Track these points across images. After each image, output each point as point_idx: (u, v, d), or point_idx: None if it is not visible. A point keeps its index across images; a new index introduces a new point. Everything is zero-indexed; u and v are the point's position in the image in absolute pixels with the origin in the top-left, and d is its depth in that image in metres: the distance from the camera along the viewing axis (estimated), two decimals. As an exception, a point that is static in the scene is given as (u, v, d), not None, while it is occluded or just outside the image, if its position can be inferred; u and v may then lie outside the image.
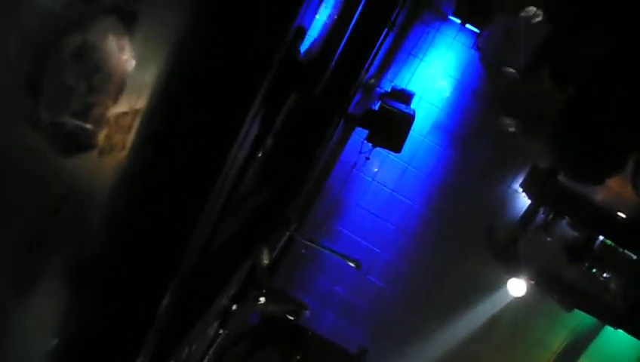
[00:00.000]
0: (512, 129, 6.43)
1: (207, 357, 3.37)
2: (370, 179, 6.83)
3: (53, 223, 1.02)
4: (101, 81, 0.97)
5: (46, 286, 1.19)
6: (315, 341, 6.50)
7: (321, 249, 4.86)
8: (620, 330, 6.45)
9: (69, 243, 1.12)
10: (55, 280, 1.22)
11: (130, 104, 1.09)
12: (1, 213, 0.86)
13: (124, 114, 1.08)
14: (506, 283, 6.52)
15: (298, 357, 3.10)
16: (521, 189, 6.66)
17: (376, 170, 6.76)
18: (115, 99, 1.03)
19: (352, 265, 4.45)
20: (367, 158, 5.76)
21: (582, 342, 6.92)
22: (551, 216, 6.33)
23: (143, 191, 1.32)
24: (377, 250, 6.92)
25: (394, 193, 6.81)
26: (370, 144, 4.78)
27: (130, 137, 1.14)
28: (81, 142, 0.95)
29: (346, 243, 6.84)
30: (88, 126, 0.95)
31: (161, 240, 1.56)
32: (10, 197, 0.86)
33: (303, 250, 6.71)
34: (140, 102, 1.14)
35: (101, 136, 1.01)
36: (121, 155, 1.11)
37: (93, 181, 1.09)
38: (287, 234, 4.36)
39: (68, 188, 1.01)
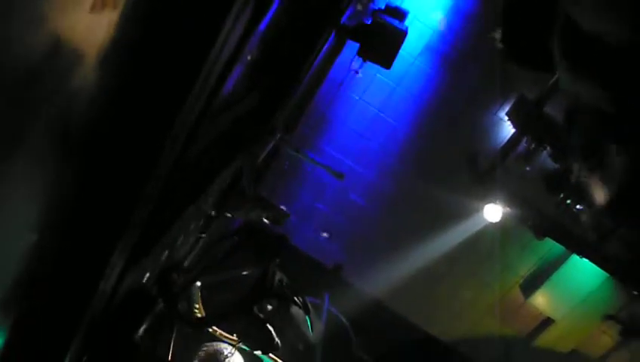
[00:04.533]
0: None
1: (191, 254, 3.44)
2: (357, 98, 6.77)
3: (43, 78, 0.99)
4: None
5: (30, 152, 1.16)
6: (292, 254, 6.67)
7: (305, 159, 4.87)
8: (585, 259, 6.75)
9: (58, 102, 1.09)
10: (40, 146, 1.19)
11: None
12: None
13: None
14: (482, 208, 6.68)
15: (277, 261, 3.18)
16: (506, 117, 6.69)
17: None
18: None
19: (334, 176, 4.49)
20: (357, 72, 5.67)
21: (548, 268, 7.22)
22: (533, 145, 6.40)
23: (131, 61, 1.28)
24: (360, 169, 6.99)
25: (380, 113, 6.79)
26: (360, 59, 4.70)
27: (122, -2, 1.08)
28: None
29: (329, 161, 6.86)
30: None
31: (145, 120, 1.53)
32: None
33: (286, 164, 6.75)
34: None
35: (93, -11, 0.97)
36: (113, 15, 1.07)
37: (84, 39, 1.05)
38: (272, 142, 4.36)
39: (58, 43, 0.98)
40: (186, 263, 3.62)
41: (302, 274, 6.03)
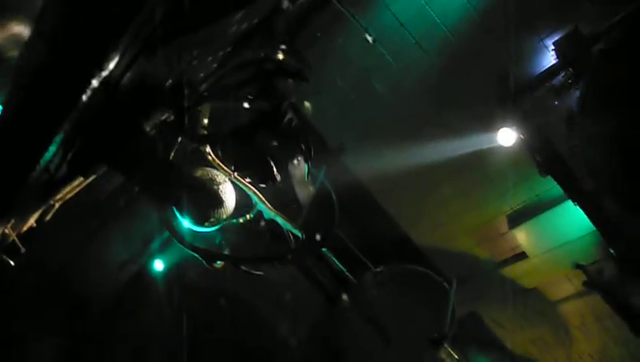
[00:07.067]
0: None
1: (209, 78, 3.41)
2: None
3: None
4: None
5: None
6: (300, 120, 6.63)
7: (347, 13, 4.68)
8: (578, 208, 6.77)
9: None
10: None
11: None
12: None
13: None
14: (497, 130, 6.60)
15: (293, 100, 3.13)
16: (552, 47, 6.40)
17: None
18: None
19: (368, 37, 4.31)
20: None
21: (540, 206, 7.29)
22: (570, 81, 6.19)
23: None
24: (389, 58, 6.78)
25: (426, 6, 6.48)
26: None
27: None
28: None
29: (363, 42, 6.65)
30: None
31: None
32: None
33: (319, 34, 6.54)
34: None
35: None
36: None
37: None
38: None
39: None
40: (202, 85, 3.59)
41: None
